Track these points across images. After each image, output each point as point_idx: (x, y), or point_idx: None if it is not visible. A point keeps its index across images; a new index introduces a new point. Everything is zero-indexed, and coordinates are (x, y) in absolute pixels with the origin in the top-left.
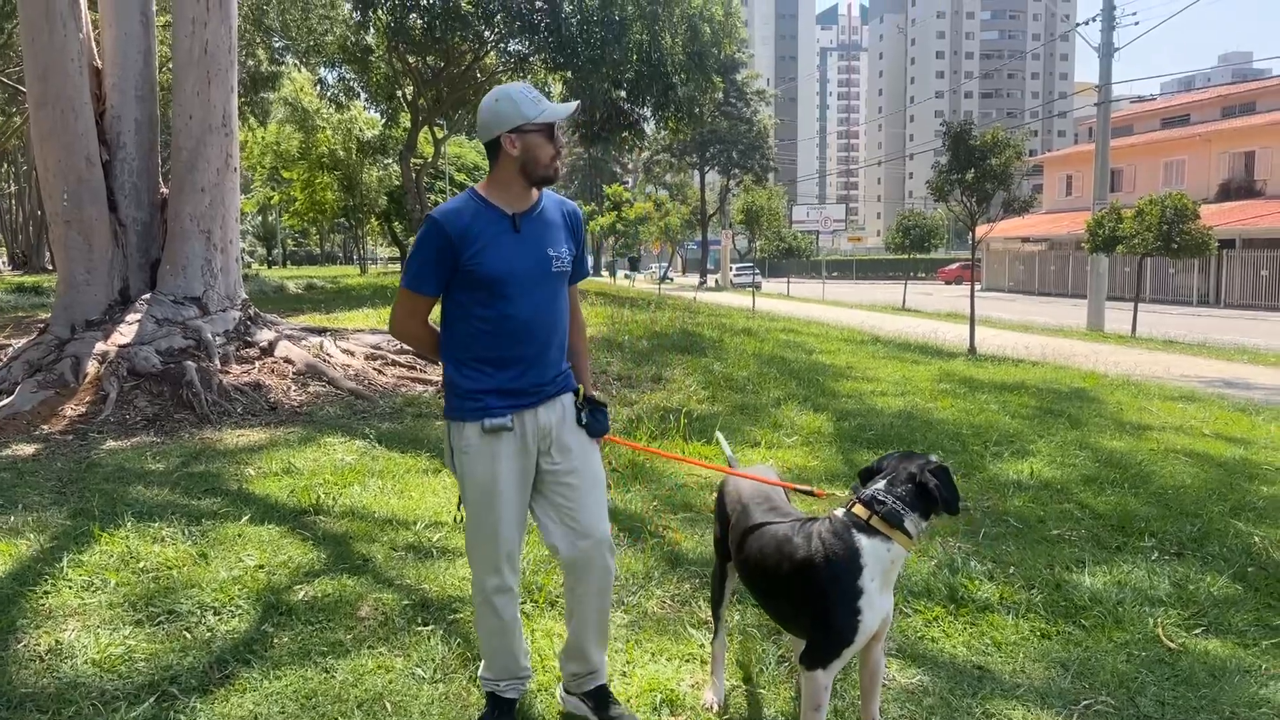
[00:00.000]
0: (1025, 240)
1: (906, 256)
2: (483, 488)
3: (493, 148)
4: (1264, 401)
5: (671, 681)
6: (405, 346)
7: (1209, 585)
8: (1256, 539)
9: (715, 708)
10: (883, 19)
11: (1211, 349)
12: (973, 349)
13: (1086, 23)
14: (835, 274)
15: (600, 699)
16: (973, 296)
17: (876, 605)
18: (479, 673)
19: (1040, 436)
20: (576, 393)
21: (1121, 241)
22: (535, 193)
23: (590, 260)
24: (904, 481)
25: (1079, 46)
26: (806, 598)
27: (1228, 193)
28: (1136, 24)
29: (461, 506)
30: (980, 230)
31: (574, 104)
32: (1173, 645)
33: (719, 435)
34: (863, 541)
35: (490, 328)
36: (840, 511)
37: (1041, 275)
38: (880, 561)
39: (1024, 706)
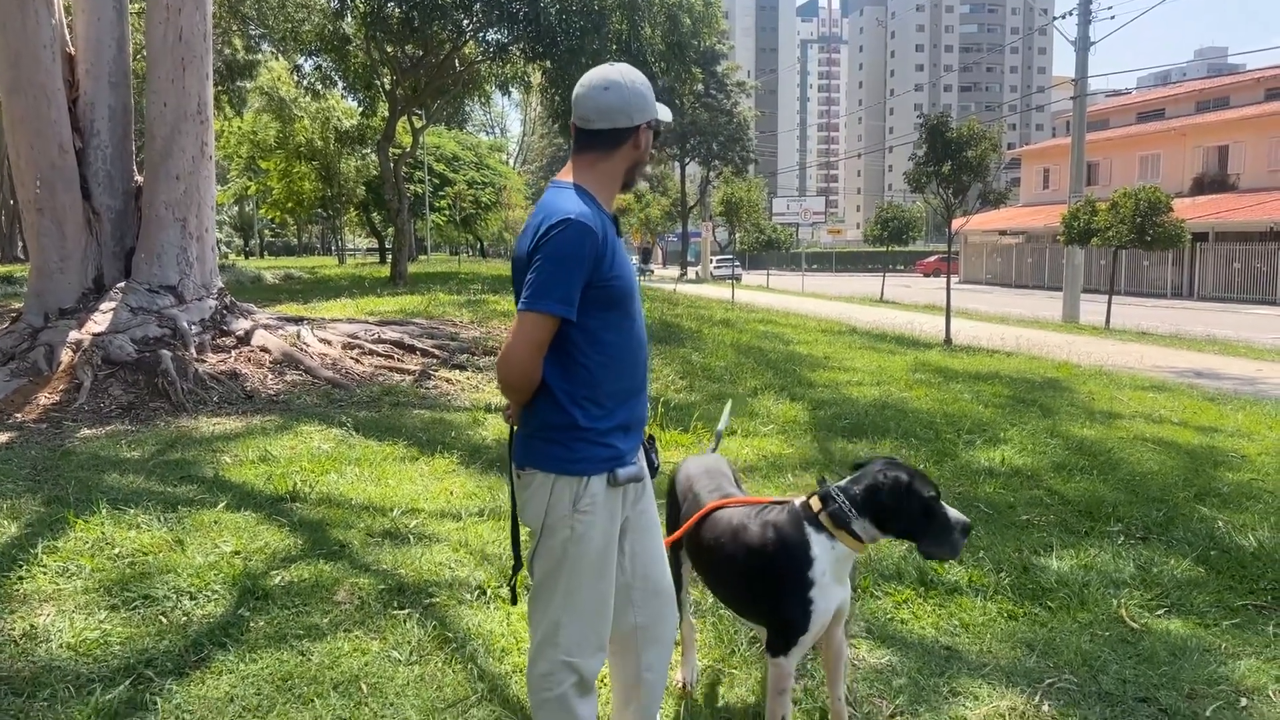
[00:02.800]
0: (1002, 233)
1: (885, 249)
2: (602, 554)
3: (608, 137)
4: (1232, 391)
5: None
6: (384, 335)
7: (1172, 568)
8: (1220, 523)
9: (688, 686)
10: (863, 11)
11: (1183, 340)
12: (948, 340)
13: (1063, 16)
14: (815, 266)
15: None
16: (949, 288)
17: (830, 595)
18: None
19: (1012, 425)
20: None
21: (1096, 234)
22: None
23: None
24: (864, 485)
25: (1057, 40)
26: (761, 587)
27: (1201, 186)
28: (1113, 18)
29: (534, 577)
30: (957, 222)
31: (670, 114)
32: (1135, 625)
33: (728, 406)
34: (811, 535)
35: (621, 354)
36: (799, 501)
37: (1018, 268)
38: (827, 557)
39: (990, 685)
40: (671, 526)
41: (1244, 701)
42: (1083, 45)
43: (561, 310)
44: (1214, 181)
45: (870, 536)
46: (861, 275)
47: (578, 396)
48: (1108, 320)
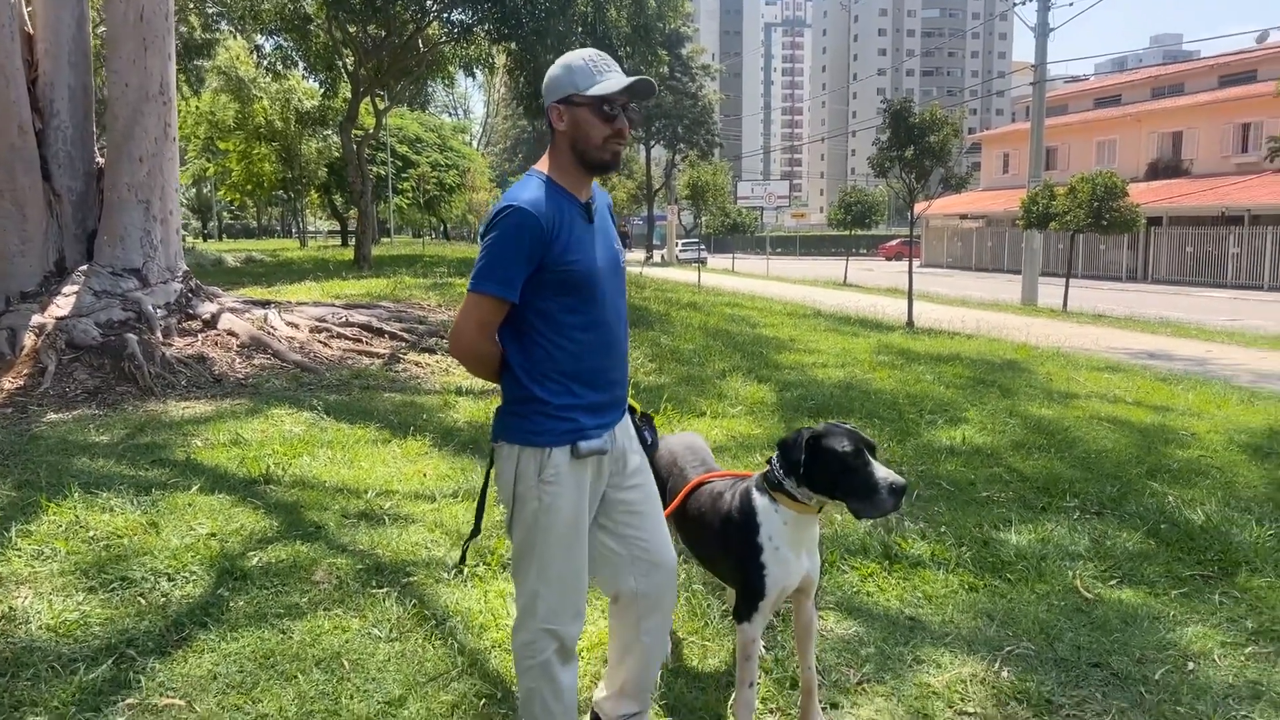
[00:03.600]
0: (963, 217)
1: (848, 233)
2: (570, 524)
3: (548, 121)
4: (1184, 371)
5: None
6: (352, 319)
7: (1125, 541)
8: (1170, 498)
9: (664, 657)
10: None
11: (1137, 322)
12: (911, 322)
13: (1023, 2)
14: (779, 250)
15: None
16: (911, 271)
17: (785, 562)
18: None
19: (973, 405)
20: (633, 408)
21: (1054, 218)
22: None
23: None
24: (794, 448)
25: (1018, 26)
26: (723, 552)
27: (1156, 171)
28: (1070, 4)
29: (511, 545)
30: (919, 206)
31: (635, 78)
32: (1089, 596)
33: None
34: (758, 501)
35: (582, 336)
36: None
37: (979, 251)
38: (773, 521)
39: (951, 653)
40: None
41: (1190, 665)
42: (1042, 32)
43: (498, 291)
44: (1168, 167)
45: (805, 496)
46: (825, 259)
47: (536, 374)
48: (1065, 303)
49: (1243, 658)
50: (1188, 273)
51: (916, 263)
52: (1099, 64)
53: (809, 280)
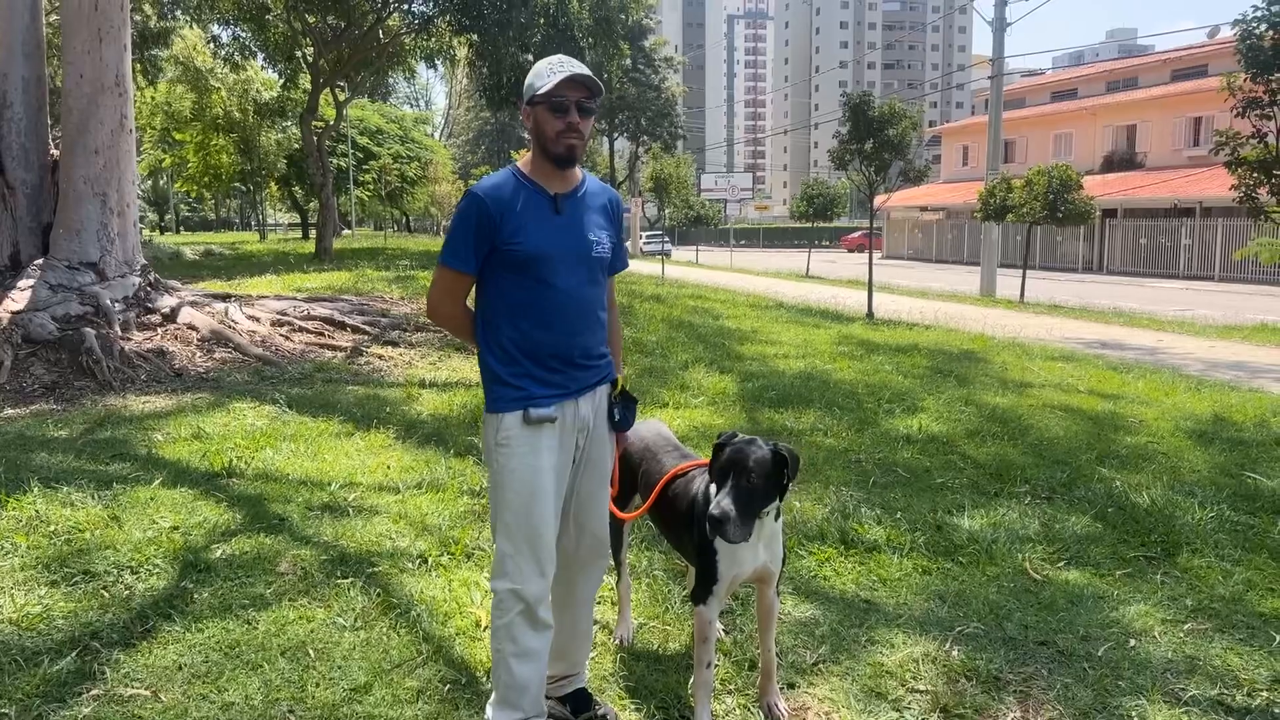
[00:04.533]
0: (924, 209)
1: (810, 225)
2: (526, 484)
3: None
4: (1135, 360)
5: None
6: (313, 312)
7: (1073, 525)
8: (1118, 483)
9: (625, 642)
10: None
11: (1092, 313)
12: (871, 313)
13: None
14: (743, 242)
15: (580, 701)
16: (870, 263)
17: (734, 551)
18: (490, 715)
19: (930, 394)
20: (614, 385)
21: (1011, 210)
22: (577, 174)
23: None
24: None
25: (977, 20)
26: (689, 538)
27: (1111, 164)
28: None
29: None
30: (879, 199)
31: (569, 71)
32: (1038, 577)
33: None
34: (700, 489)
35: (531, 312)
36: None
37: (939, 243)
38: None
39: (905, 633)
40: (624, 487)
41: (1132, 642)
42: (999, 26)
43: (452, 263)
44: (1123, 160)
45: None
46: (788, 251)
47: (490, 344)
48: (1022, 294)
49: (1181, 634)
50: (1142, 264)
51: (878, 255)
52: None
53: (772, 272)
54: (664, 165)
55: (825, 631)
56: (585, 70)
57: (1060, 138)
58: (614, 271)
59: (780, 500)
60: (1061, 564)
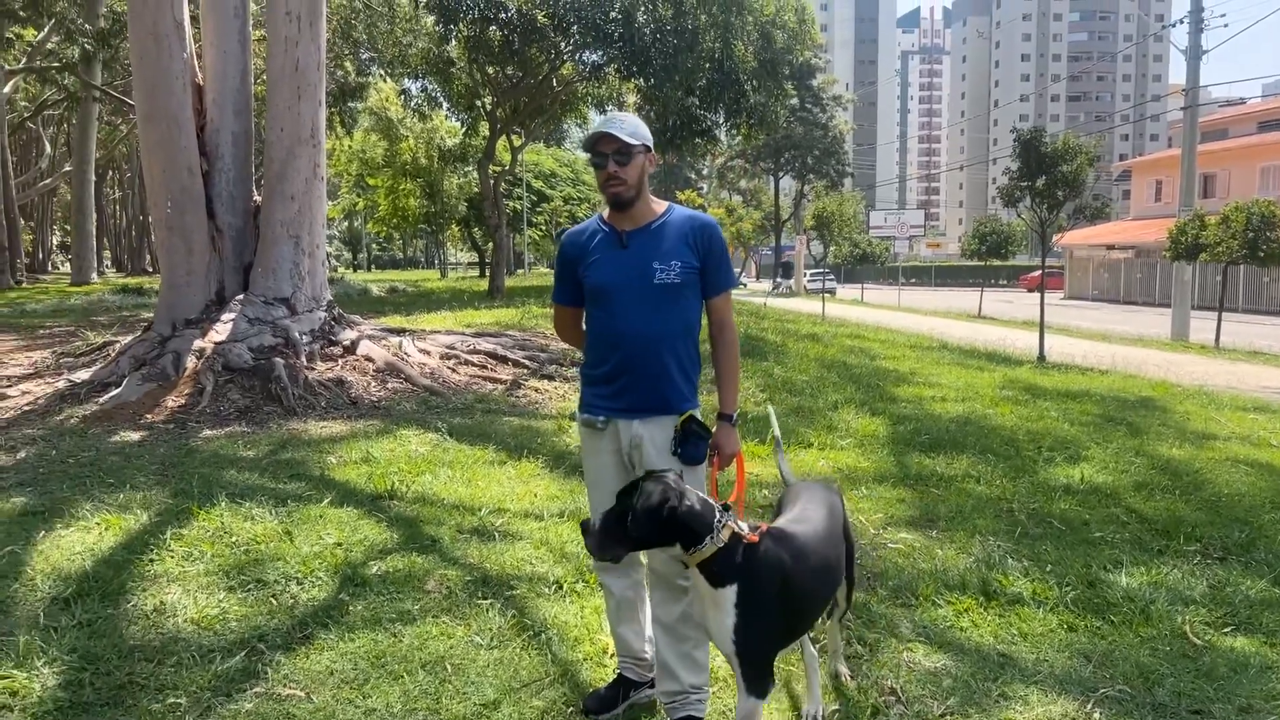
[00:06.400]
0: (1110, 247)
1: (984, 263)
2: (589, 474)
3: None
4: None
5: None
6: (479, 347)
7: (1247, 589)
8: None
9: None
10: (965, 22)
11: None
12: (1042, 356)
13: (1174, 25)
14: (913, 280)
15: None
16: (1042, 302)
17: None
18: None
19: (1096, 443)
20: (685, 417)
21: (1205, 249)
22: (653, 209)
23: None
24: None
25: (1173, 48)
26: None
27: None
28: (1225, 25)
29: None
30: (1056, 237)
31: (598, 133)
32: (1198, 642)
33: (770, 410)
34: None
35: (597, 334)
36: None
37: (1127, 283)
38: None
39: (1041, 691)
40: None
41: None
42: (1194, 54)
43: (555, 297)
44: None
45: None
46: (961, 290)
47: (583, 358)
48: (1217, 338)
49: None
50: None
51: (1059, 295)
52: (1266, 85)
53: (940, 312)
54: (827, 204)
55: (955, 683)
56: (609, 126)
57: (1267, 171)
58: (712, 294)
59: (693, 549)
60: (1228, 630)
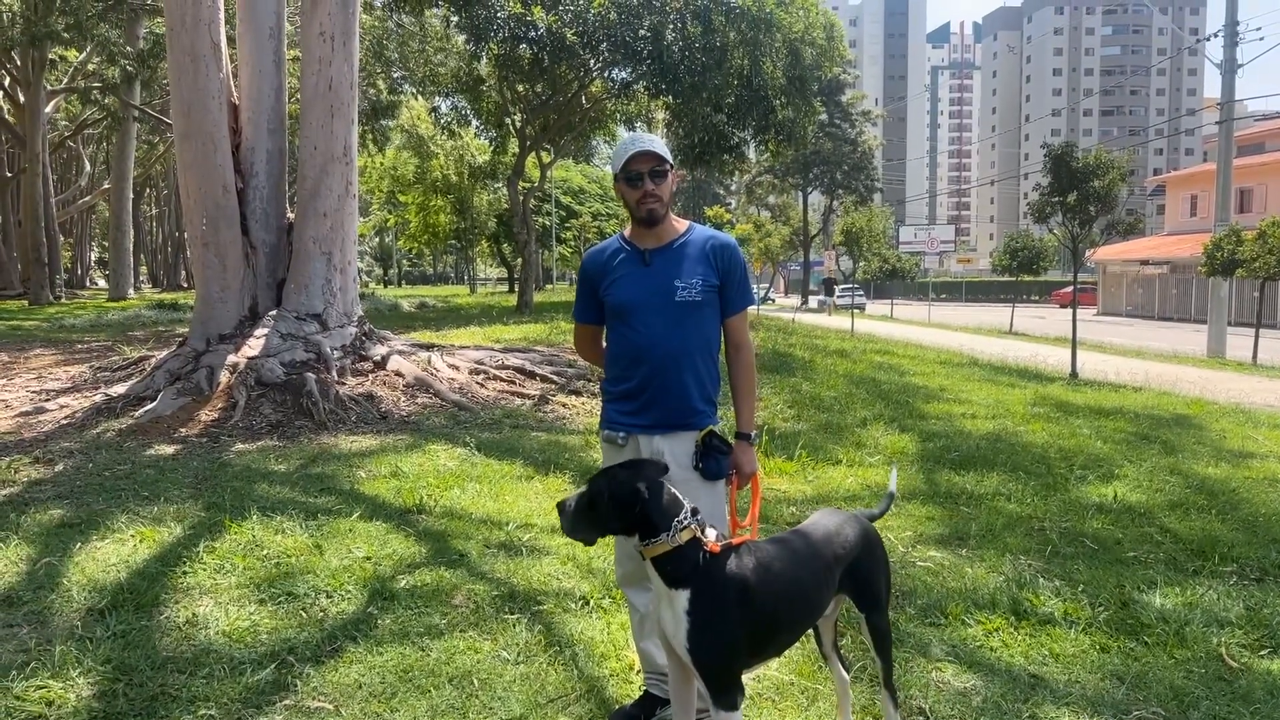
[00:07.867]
0: (1145, 263)
1: (1015, 278)
2: None
3: None
4: None
5: None
6: (507, 362)
7: None
8: None
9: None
10: (996, 36)
11: None
12: (1074, 373)
13: (1209, 38)
14: (944, 295)
15: None
16: (1074, 318)
17: (658, 593)
18: None
19: (1130, 461)
20: (706, 432)
21: (1241, 265)
22: (675, 228)
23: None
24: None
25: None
26: None
27: None
28: (1261, 39)
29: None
30: (1087, 253)
31: (636, 150)
32: (1235, 664)
33: (893, 471)
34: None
35: (619, 351)
36: None
37: (1162, 299)
38: None
39: (1073, 713)
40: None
41: None
42: (1229, 68)
43: (576, 316)
44: None
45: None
46: (992, 305)
47: (605, 374)
48: (1255, 355)
49: None
50: None
51: (1092, 311)
52: None
53: (971, 328)
54: (855, 219)
55: (985, 703)
56: (652, 145)
57: None
58: (730, 313)
59: (648, 542)
60: (1265, 652)
